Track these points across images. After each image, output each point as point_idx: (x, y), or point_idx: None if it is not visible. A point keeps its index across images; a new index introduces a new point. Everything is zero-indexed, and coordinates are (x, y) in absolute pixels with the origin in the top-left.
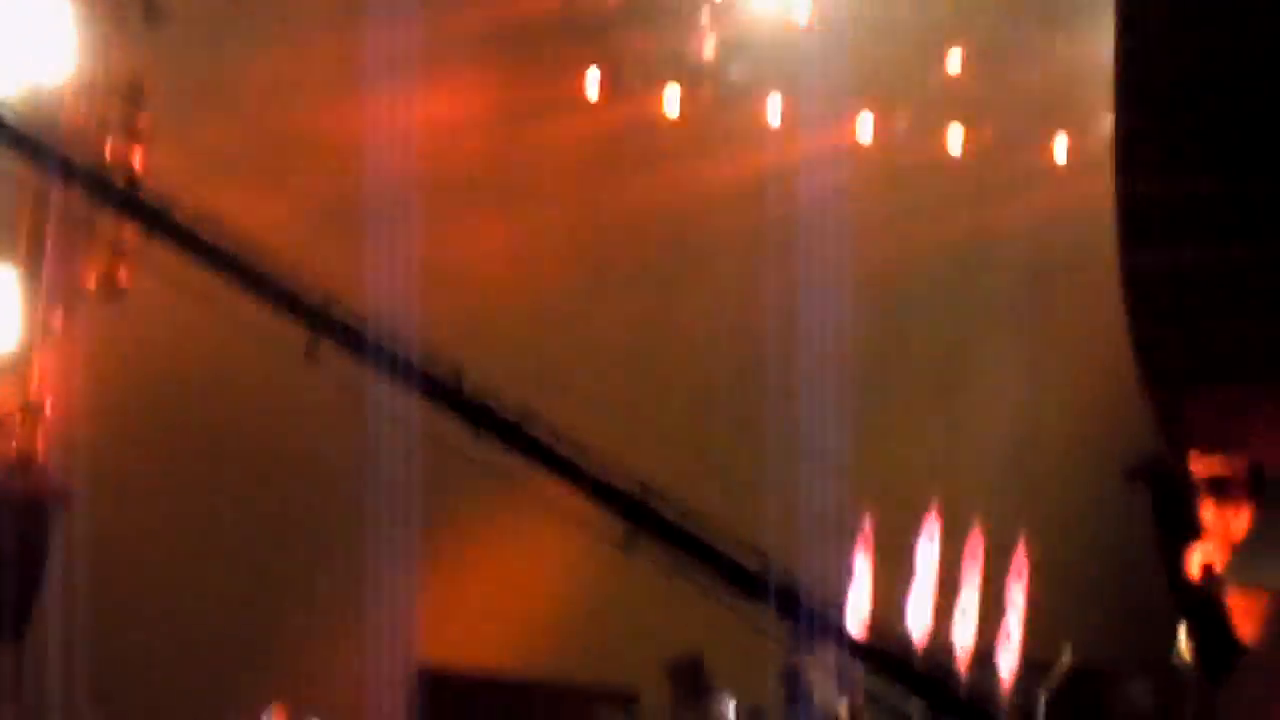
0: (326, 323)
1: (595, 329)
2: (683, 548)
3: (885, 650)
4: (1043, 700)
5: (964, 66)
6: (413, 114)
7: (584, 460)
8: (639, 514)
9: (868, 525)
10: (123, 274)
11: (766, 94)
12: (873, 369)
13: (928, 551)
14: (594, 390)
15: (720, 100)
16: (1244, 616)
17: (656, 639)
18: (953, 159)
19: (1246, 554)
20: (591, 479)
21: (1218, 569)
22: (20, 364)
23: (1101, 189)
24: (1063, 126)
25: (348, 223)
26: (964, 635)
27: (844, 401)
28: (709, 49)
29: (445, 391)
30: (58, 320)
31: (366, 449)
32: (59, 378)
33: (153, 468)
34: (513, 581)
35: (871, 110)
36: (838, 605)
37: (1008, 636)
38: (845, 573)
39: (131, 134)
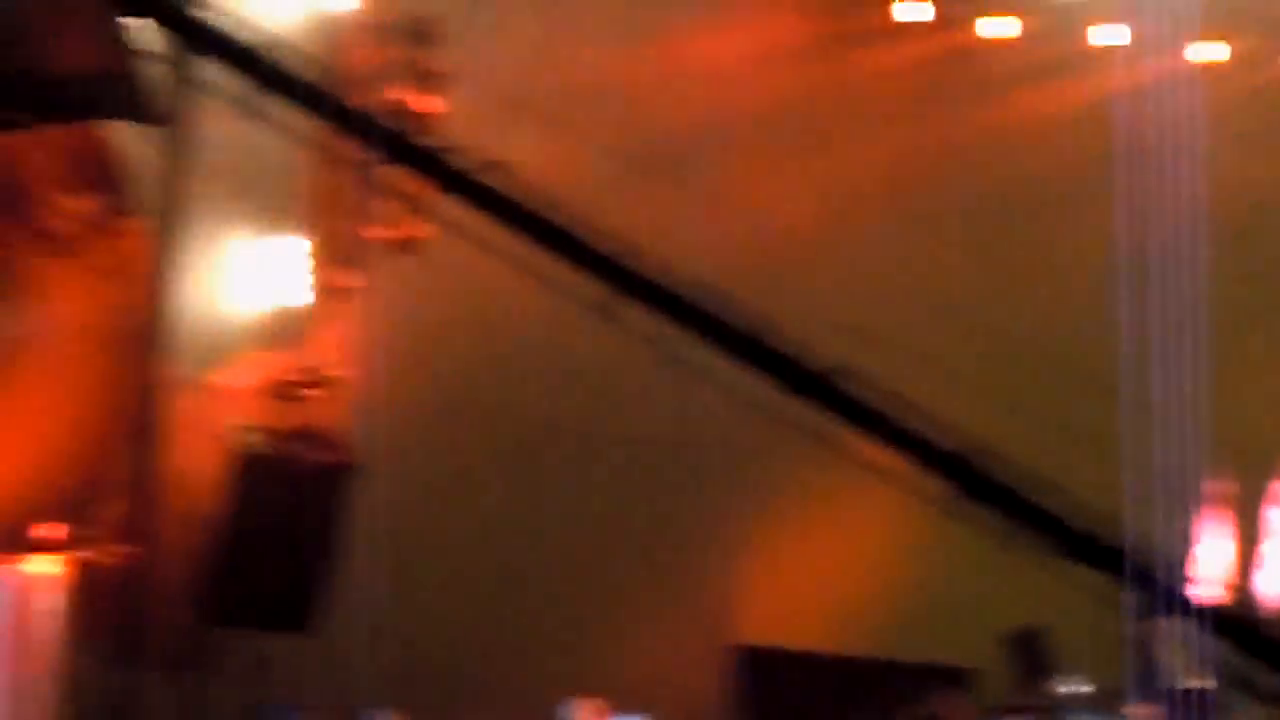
0: (625, 277)
1: (915, 276)
2: (1015, 512)
3: (1239, 620)
4: None
5: None
6: (716, 50)
7: (905, 418)
8: (965, 475)
9: (1217, 488)
10: (415, 230)
11: (1097, 15)
12: (1228, 318)
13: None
14: (914, 343)
15: (1047, 24)
16: None
17: (992, 612)
18: None
19: None
20: (913, 438)
21: None
22: (308, 328)
23: None
24: None
25: (648, 169)
26: None
27: (1199, 353)
28: None
29: (753, 347)
30: (347, 281)
31: (672, 414)
32: (349, 342)
33: (448, 438)
34: (833, 552)
35: (1214, 32)
36: (1188, 573)
37: None
38: (1194, 539)
39: (421, 78)
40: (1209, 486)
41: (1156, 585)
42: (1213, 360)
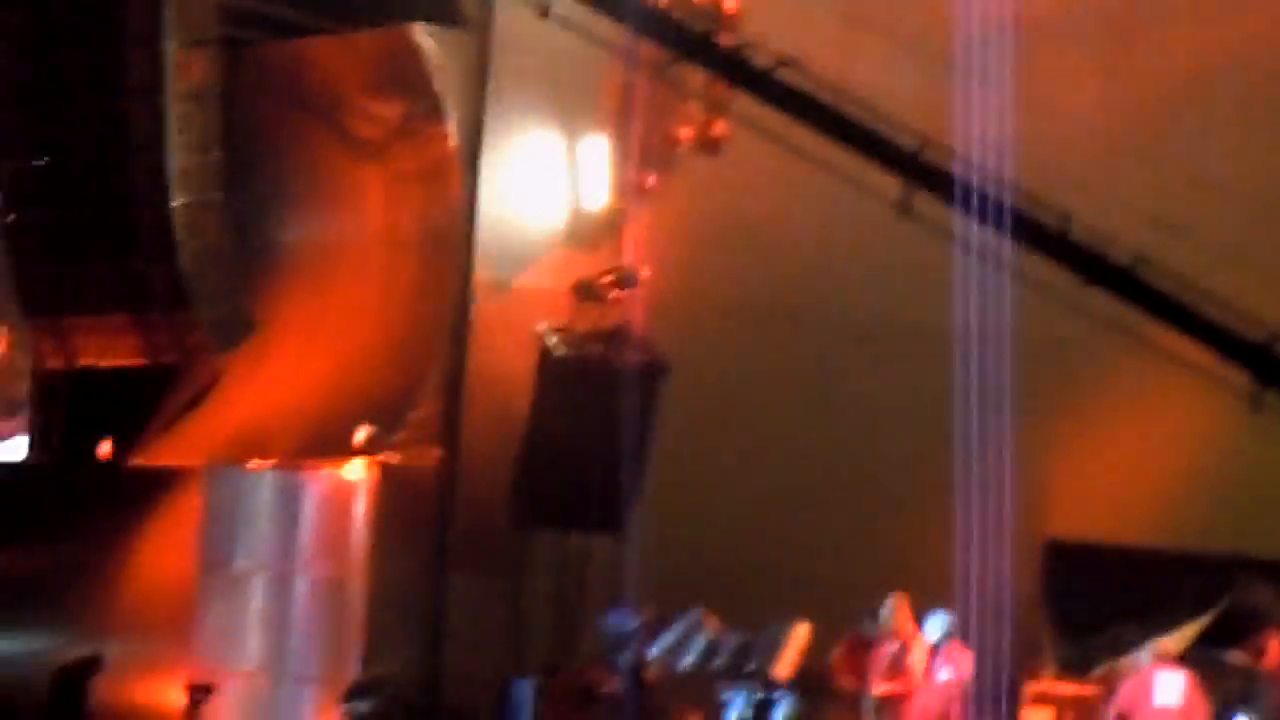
0: (921, 170)
1: (1213, 167)
2: None
3: None
4: None
5: None
6: None
7: (1208, 310)
8: (1269, 367)
9: None
10: (716, 128)
11: None
12: None
13: None
14: (1216, 234)
15: None
16: None
17: None
18: None
19: None
20: (1216, 330)
21: None
22: (613, 228)
23: None
24: None
25: (943, 61)
26: None
27: None
28: None
29: (1052, 240)
30: (650, 181)
31: (969, 308)
32: (653, 242)
33: (752, 338)
34: (1142, 446)
35: None
36: None
37: None
38: None
39: None
40: None
41: None
42: None
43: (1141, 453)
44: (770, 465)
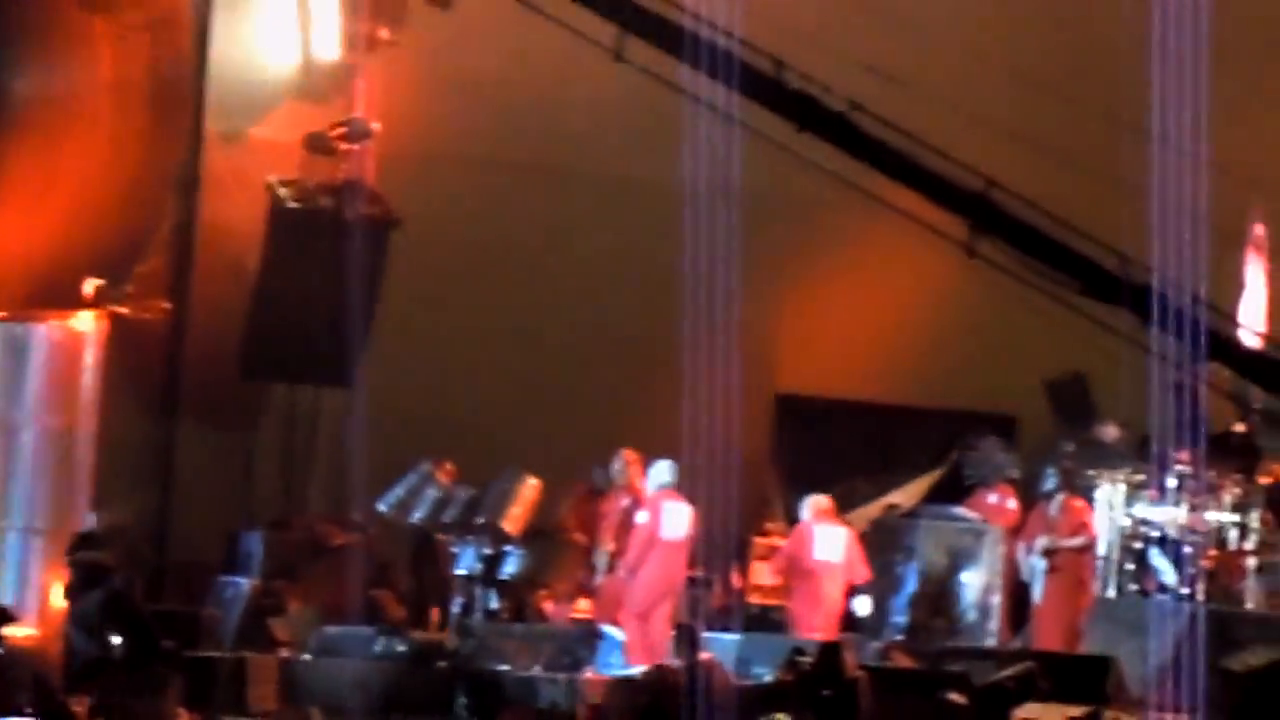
0: (639, 17)
1: (927, 15)
2: (1037, 252)
3: (1275, 362)
4: None
5: None
6: None
7: (924, 157)
8: (984, 214)
9: (1260, 230)
10: None
11: None
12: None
13: None
14: (931, 82)
15: None
16: None
17: (1031, 358)
18: None
19: None
20: (931, 176)
21: None
22: (345, 81)
23: None
24: None
25: None
26: None
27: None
28: None
29: (766, 85)
30: (382, 34)
31: (697, 162)
32: (385, 95)
33: (481, 188)
34: (872, 302)
35: None
36: (1225, 316)
37: None
38: (1232, 283)
39: None
40: (1247, 230)
41: (1191, 329)
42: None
43: (866, 306)
44: (501, 318)
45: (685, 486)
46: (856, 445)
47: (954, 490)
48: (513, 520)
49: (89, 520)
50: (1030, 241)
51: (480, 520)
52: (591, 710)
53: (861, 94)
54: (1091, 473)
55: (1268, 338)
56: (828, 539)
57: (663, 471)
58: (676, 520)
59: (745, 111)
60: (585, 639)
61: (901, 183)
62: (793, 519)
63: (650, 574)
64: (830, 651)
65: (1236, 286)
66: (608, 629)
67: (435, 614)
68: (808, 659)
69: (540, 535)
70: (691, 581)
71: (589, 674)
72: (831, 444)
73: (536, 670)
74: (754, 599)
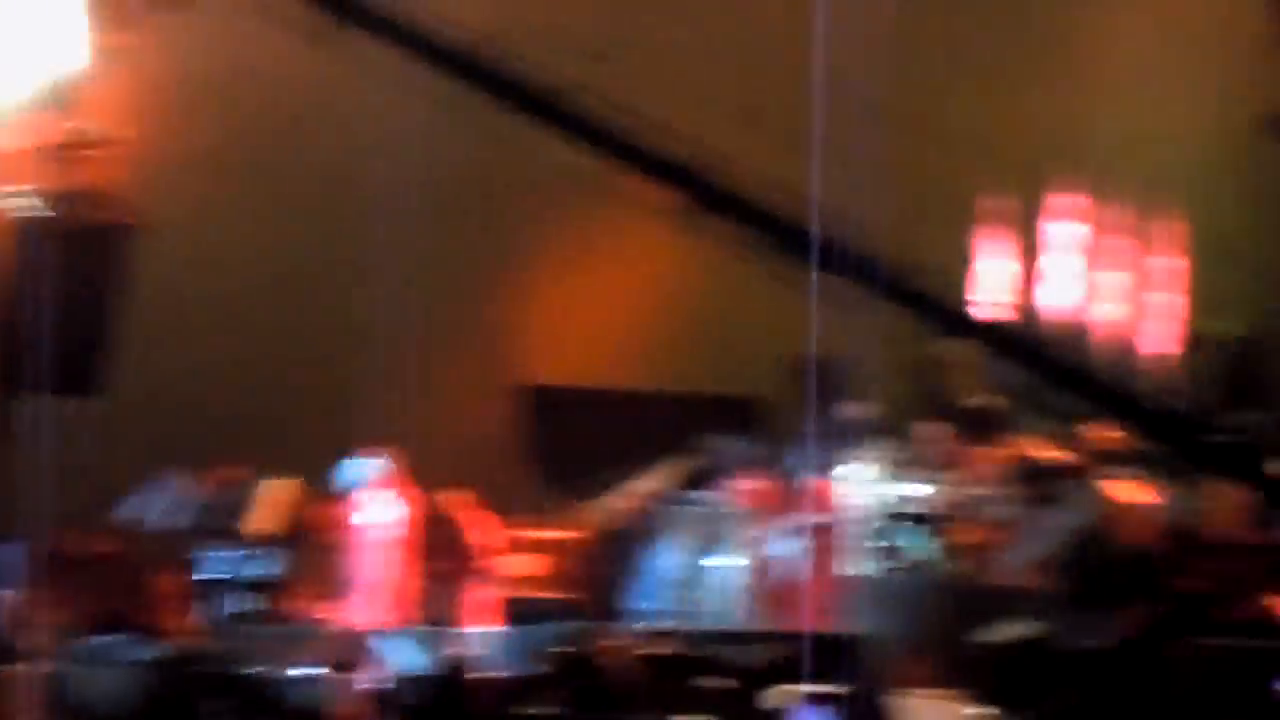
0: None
1: None
2: (740, 218)
3: (1022, 337)
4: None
5: None
6: None
7: (631, 131)
8: (690, 184)
9: (989, 203)
10: None
11: None
12: None
13: (1058, 229)
14: (642, 59)
15: None
16: None
17: (776, 340)
18: None
19: None
20: (637, 149)
21: None
22: (82, 87)
23: None
24: None
25: None
26: (1103, 314)
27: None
28: None
29: (467, 63)
30: (121, 39)
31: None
32: (123, 100)
33: (222, 190)
34: (607, 284)
35: None
36: (970, 292)
37: (1152, 311)
38: (973, 256)
39: None
40: (986, 203)
41: (936, 304)
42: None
43: (606, 293)
44: (245, 319)
45: (430, 482)
46: (606, 434)
47: (700, 476)
48: (259, 520)
49: None
50: (752, 217)
51: (232, 523)
52: (350, 711)
53: (570, 74)
54: (837, 451)
55: (1013, 310)
56: None
57: (368, 467)
58: (387, 515)
59: (462, 95)
60: (342, 640)
61: (620, 161)
62: (546, 510)
63: (368, 571)
64: (588, 640)
65: (974, 259)
66: (367, 629)
67: (190, 619)
68: (568, 649)
69: (292, 536)
70: (433, 577)
71: (342, 674)
72: (582, 434)
73: (293, 671)
74: (517, 591)
